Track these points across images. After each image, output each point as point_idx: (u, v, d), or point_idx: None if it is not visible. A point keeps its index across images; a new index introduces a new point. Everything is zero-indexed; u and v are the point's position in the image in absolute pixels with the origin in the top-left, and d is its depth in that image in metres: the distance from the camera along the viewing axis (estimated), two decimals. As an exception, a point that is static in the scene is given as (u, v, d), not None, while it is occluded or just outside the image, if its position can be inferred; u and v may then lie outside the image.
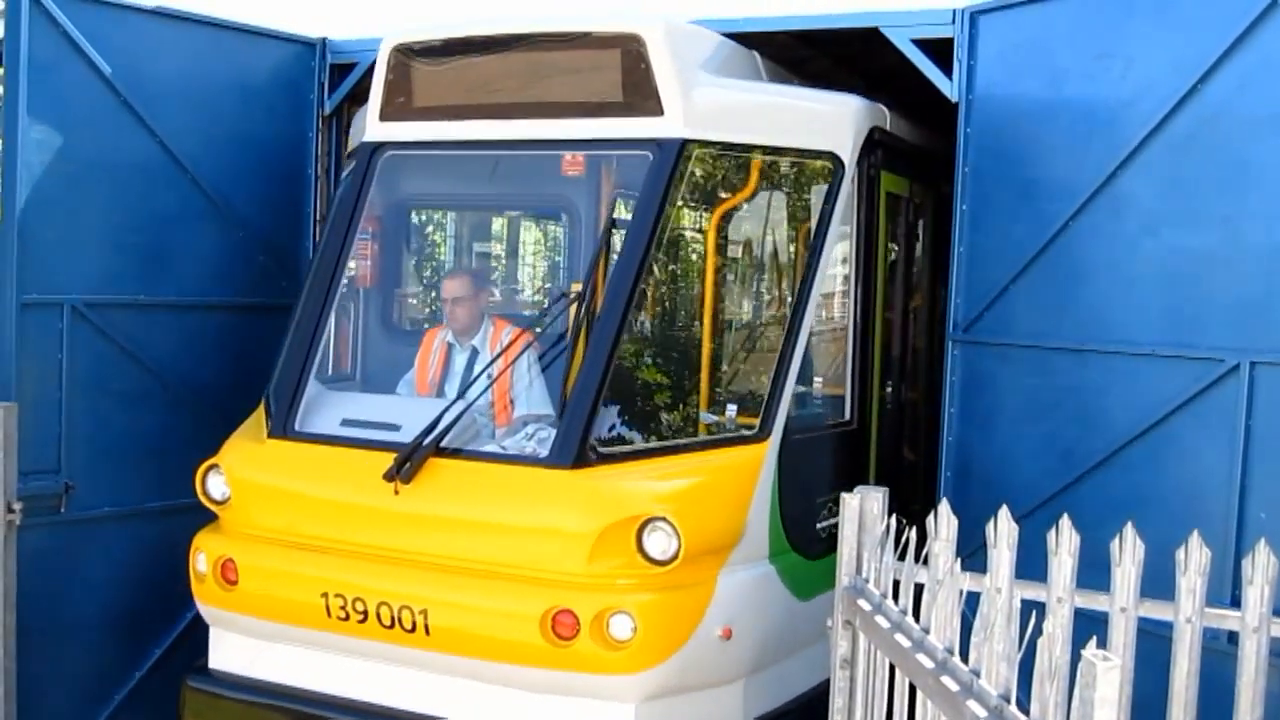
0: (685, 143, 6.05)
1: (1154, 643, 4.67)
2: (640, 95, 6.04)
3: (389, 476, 5.69)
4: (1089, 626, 4.30)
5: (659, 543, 5.42)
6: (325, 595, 5.82)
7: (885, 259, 7.29)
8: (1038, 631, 3.26)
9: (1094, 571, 4.63)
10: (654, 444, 6.12)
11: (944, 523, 4.43)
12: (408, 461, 5.70)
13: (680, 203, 6.35)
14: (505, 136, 6.43)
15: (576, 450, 5.62)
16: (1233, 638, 4.61)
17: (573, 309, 6.28)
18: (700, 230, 6.83)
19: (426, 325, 7.76)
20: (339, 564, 5.89)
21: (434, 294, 8.22)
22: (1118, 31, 6.03)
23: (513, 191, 8.49)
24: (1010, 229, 6.46)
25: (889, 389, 7.56)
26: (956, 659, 3.63)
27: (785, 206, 7.07)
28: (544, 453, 5.77)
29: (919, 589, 4.19)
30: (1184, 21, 5.75)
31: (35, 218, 6.78)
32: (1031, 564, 4.65)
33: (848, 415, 6.86)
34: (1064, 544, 4.53)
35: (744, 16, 7.39)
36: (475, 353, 6.67)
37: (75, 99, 6.95)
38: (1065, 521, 4.52)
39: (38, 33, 6.69)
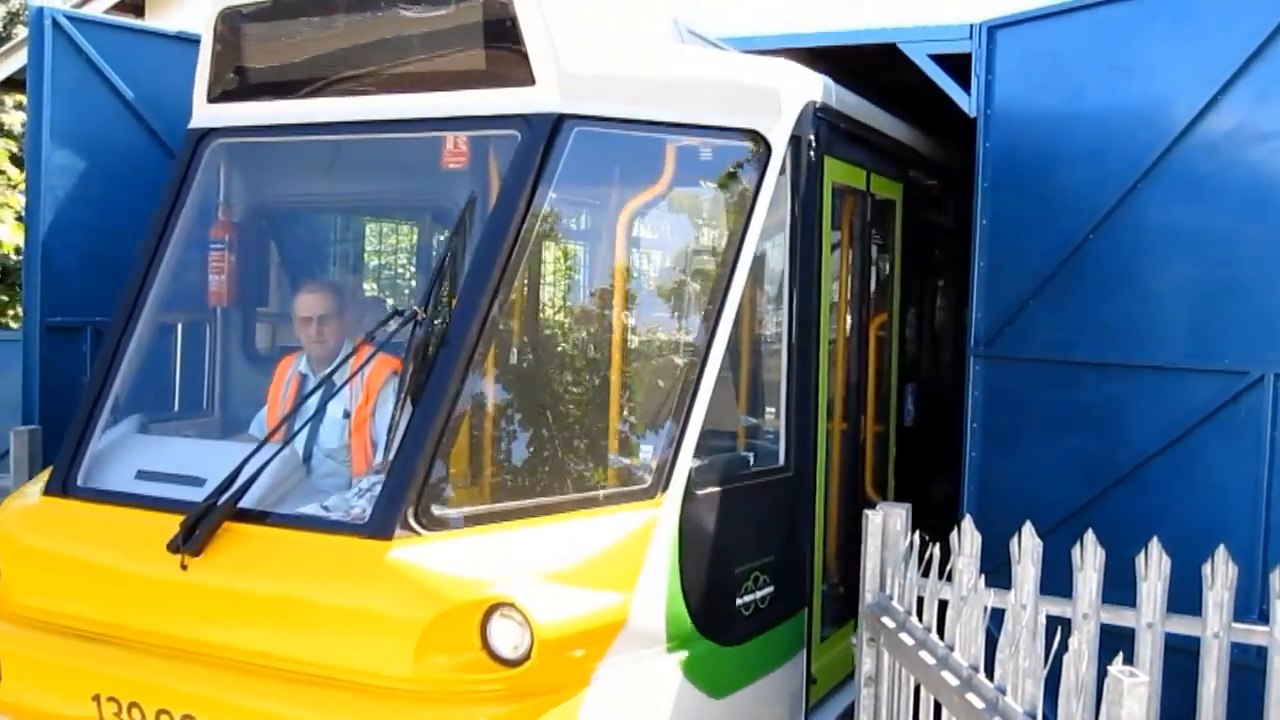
0: (561, 119, 4.90)
1: (1181, 658, 4.64)
2: (507, 62, 4.97)
3: (174, 546, 4.47)
4: (1115, 642, 4.27)
5: (507, 635, 4.18)
6: (97, 698, 4.60)
7: (835, 267, 6.35)
8: (1063, 648, 3.25)
9: (1119, 587, 4.60)
10: (510, 505, 4.81)
11: (967, 538, 4.42)
12: (197, 527, 4.47)
13: (555, 196, 5.06)
14: (350, 117, 5.29)
15: (402, 515, 4.36)
16: (1261, 653, 4.57)
17: (420, 331, 4.79)
18: (581, 229, 5.97)
19: (282, 351, 6.28)
20: (117, 657, 4.65)
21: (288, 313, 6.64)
22: (1136, 44, 6.02)
23: (364, 185, 6.73)
24: (1030, 243, 6.44)
25: (844, 423, 6.47)
26: (982, 676, 3.62)
27: (694, 201, 5.91)
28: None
29: (943, 606, 4.18)
30: (1203, 33, 5.75)
31: (58, 241, 6.86)
32: (1056, 580, 4.63)
33: (781, 459, 5.54)
34: (1089, 559, 4.50)
35: (760, 35, 7.40)
36: (332, 385, 5.30)
37: (98, 123, 7.05)
38: (1090, 537, 4.50)
39: (61, 58, 6.79)
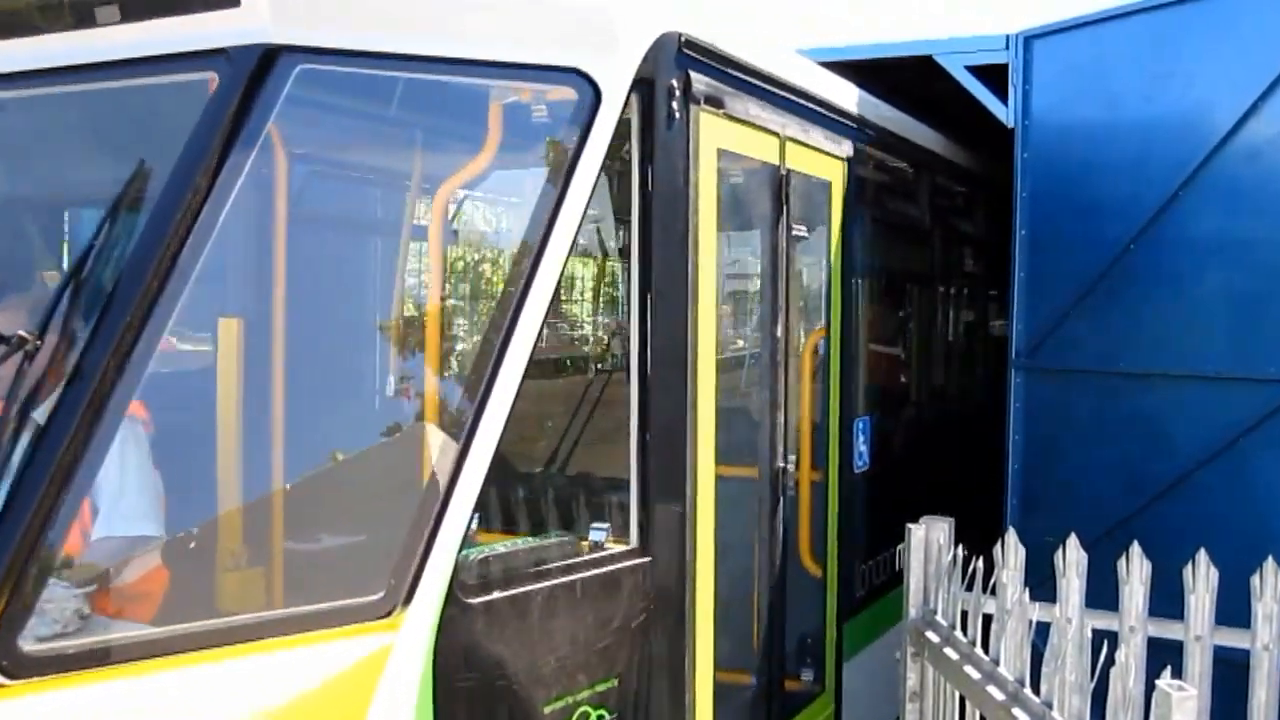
0: (275, 52, 3.38)
1: (1230, 671, 4.59)
2: None
3: None
4: (1163, 656, 4.23)
5: None
6: None
7: (727, 263, 5.07)
8: (1110, 661, 3.22)
9: (1166, 599, 4.56)
10: (154, 634, 3.07)
11: (1011, 551, 4.39)
12: None
13: (259, 169, 3.51)
14: (10, 67, 3.70)
15: None
16: (1312, 665, 4.52)
17: (32, 367, 3.14)
18: (302, 214, 4.37)
19: None
20: None
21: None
22: (1175, 51, 6.00)
23: (36, 150, 4.40)
24: (1070, 253, 6.42)
25: (753, 469, 5.03)
26: (1028, 690, 3.60)
27: (482, 176, 4.18)
28: None
29: (987, 620, 4.16)
30: (1243, 39, 5.73)
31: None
32: (1101, 593, 4.59)
33: (631, 533, 3.98)
34: (1135, 572, 4.47)
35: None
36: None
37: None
38: (1136, 549, 4.46)
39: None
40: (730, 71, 4.52)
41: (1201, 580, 4.45)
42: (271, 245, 4.02)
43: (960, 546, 4.50)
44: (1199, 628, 4.49)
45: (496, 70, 3.69)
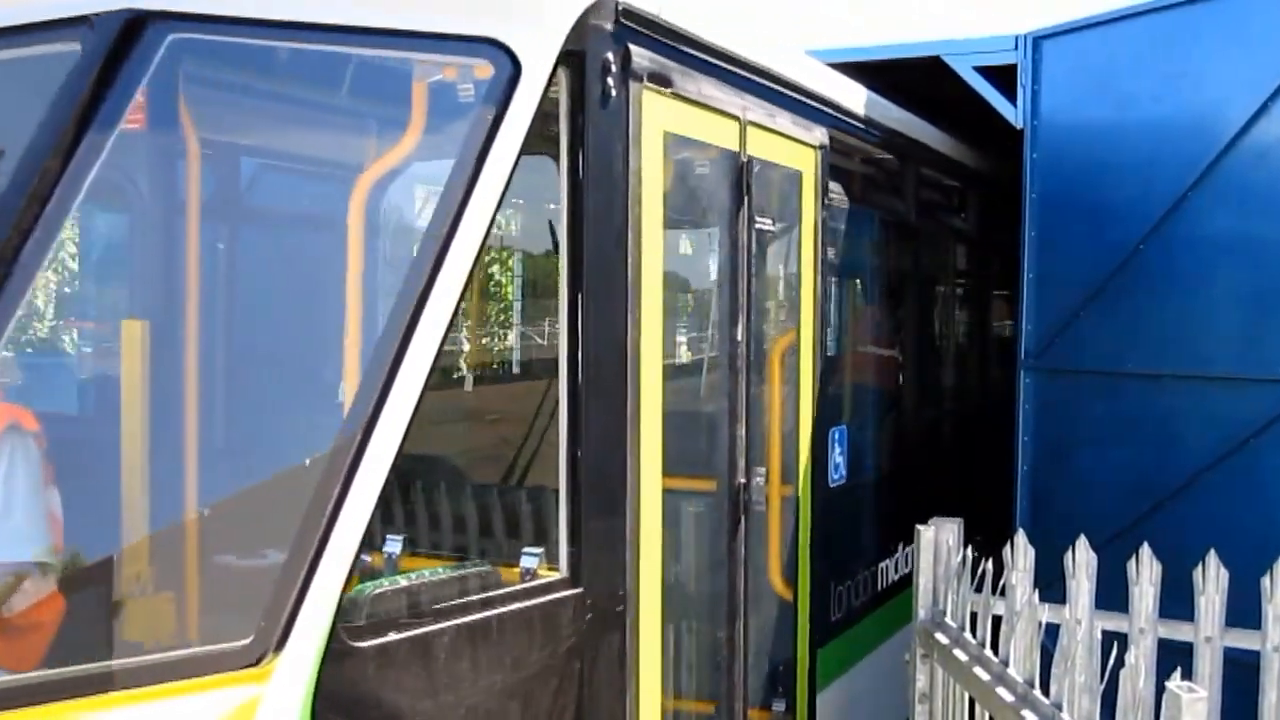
0: (142, 19, 3.05)
1: (1241, 672, 4.58)
2: None
3: None
4: (1173, 657, 4.23)
5: None
6: None
7: (682, 258, 4.80)
8: (1120, 663, 3.22)
9: (1176, 601, 4.55)
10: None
11: (1021, 553, 4.39)
12: None
13: (119, 157, 3.19)
14: None
15: None
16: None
17: None
18: (175, 201, 3.76)
19: None
20: None
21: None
22: (1185, 51, 6.00)
23: None
24: (1080, 254, 6.41)
25: (712, 483, 4.58)
26: (1038, 692, 3.59)
27: (382, 160, 3.70)
28: None
29: (996, 621, 4.15)
30: (1252, 39, 5.72)
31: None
32: (1111, 594, 4.58)
33: (561, 561, 3.49)
34: (1144, 573, 4.46)
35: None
36: None
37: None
38: (1146, 550, 4.45)
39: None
40: (680, 47, 4.03)
41: (1212, 581, 4.44)
42: (146, 239, 3.58)
43: (969, 548, 4.50)
44: (1209, 629, 4.48)
45: (399, 40, 3.22)
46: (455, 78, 3.33)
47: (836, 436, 5.55)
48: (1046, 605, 4.12)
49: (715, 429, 4.54)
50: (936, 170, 7.33)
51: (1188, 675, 4.28)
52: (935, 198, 7.63)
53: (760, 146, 4.63)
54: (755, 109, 4.59)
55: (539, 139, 3.38)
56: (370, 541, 3.15)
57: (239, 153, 3.95)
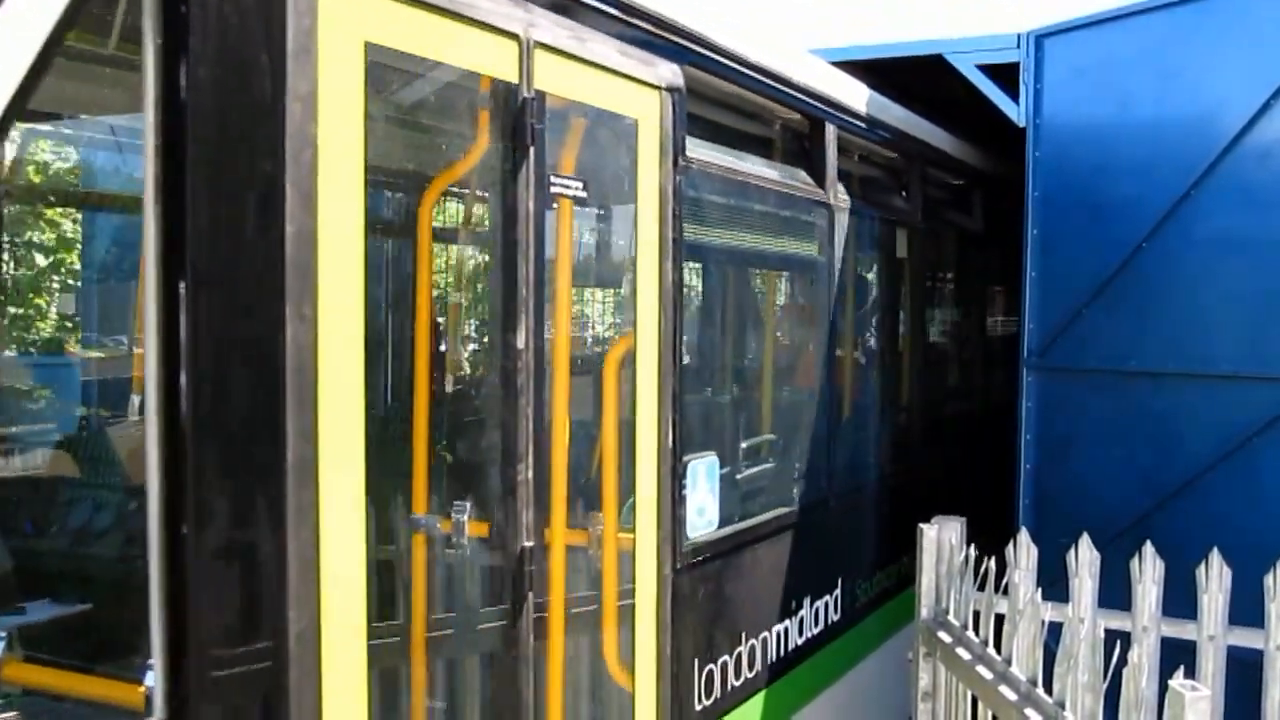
0: None
1: (1243, 670, 4.58)
2: None
3: None
4: (1176, 656, 4.23)
5: None
6: None
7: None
8: (1123, 661, 3.22)
9: (1179, 600, 4.55)
10: None
11: (1023, 551, 4.39)
12: None
13: None
14: None
15: None
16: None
17: None
18: None
19: None
20: None
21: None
22: (1186, 50, 6.00)
23: None
24: (1082, 253, 6.41)
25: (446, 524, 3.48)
26: (1040, 690, 3.59)
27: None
28: None
29: (999, 620, 4.16)
30: (1254, 38, 5.73)
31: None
32: (1113, 592, 4.58)
33: (155, 701, 2.24)
34: (1148, 572, 4.46)
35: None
36: None
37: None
38: (1149, 548, 4.46)
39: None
40: None
41: (1215, 580, 4.44)
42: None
43: (972, 546, 4.50)
44: (1212, 627, 4.48)
45: None
46: None
47: (701, 471, 4.28)
48: (1049, 604, 4.12)
49: (487, 470, 3.36)
50: (842, 129, 5.56)
51: (1190, 674, 4.29)
52: (862, 172, 6.18)
53: (558, 80, 3.41)
54: (547, 26, 3.35)
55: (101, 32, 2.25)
56: None
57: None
